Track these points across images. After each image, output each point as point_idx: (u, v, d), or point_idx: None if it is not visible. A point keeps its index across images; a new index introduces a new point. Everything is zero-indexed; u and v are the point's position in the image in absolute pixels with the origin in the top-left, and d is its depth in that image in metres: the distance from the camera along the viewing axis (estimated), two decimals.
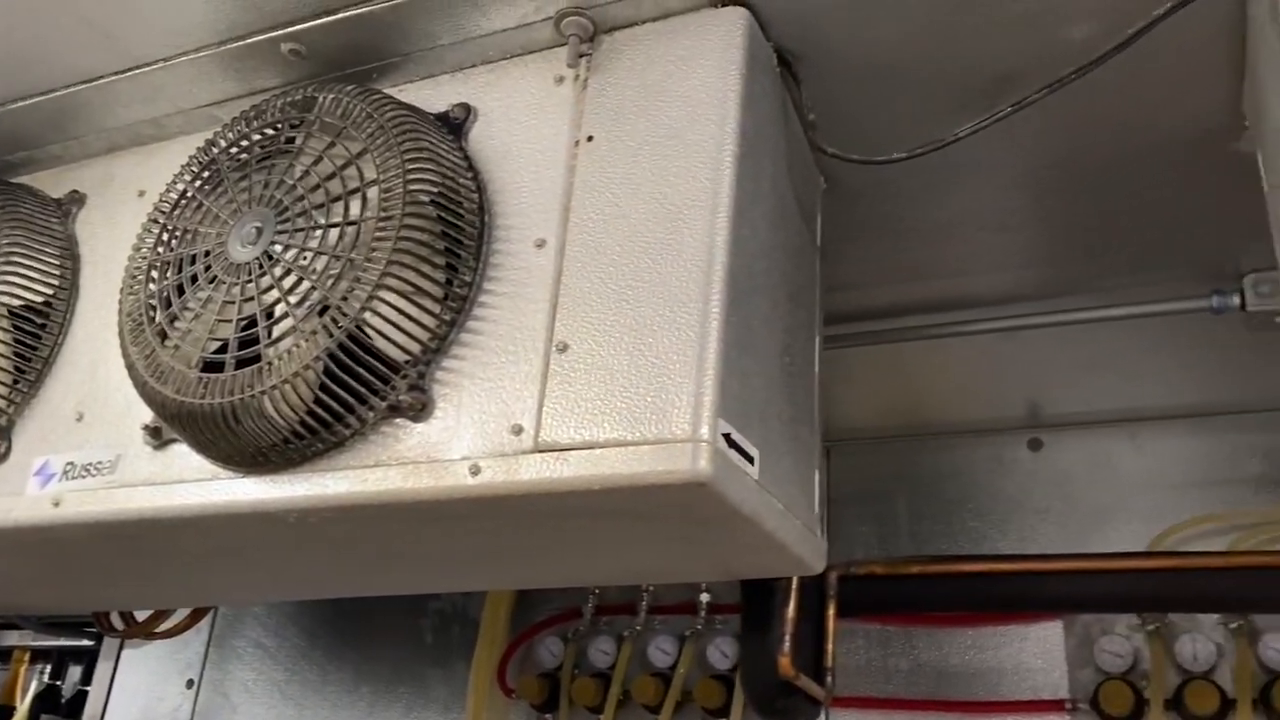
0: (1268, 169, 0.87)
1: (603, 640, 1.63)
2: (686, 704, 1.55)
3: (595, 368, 0.83)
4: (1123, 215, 1.18)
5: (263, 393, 0.87)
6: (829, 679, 1.13)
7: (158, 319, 0.96)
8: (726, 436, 0.80)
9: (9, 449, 1.08)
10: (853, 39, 0.95)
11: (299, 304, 0.88)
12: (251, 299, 0.91)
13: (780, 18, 0.93)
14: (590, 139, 0.92)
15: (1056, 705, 1.38)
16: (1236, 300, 1.16)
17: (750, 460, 0.83)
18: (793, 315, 0.97)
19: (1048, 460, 1.55)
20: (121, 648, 2.02)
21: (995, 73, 0.97)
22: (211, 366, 0.91)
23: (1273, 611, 1.22)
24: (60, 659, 2.10)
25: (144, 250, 1.01)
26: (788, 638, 1.05)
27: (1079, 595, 1.10)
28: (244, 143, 1.00)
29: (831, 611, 1.15)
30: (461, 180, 0.92)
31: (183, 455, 0.97)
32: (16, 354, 1.10)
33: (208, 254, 0.95)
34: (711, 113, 0.88)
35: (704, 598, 1.57)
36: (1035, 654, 1.44)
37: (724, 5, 0.91)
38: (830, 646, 1.14)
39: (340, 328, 0.86)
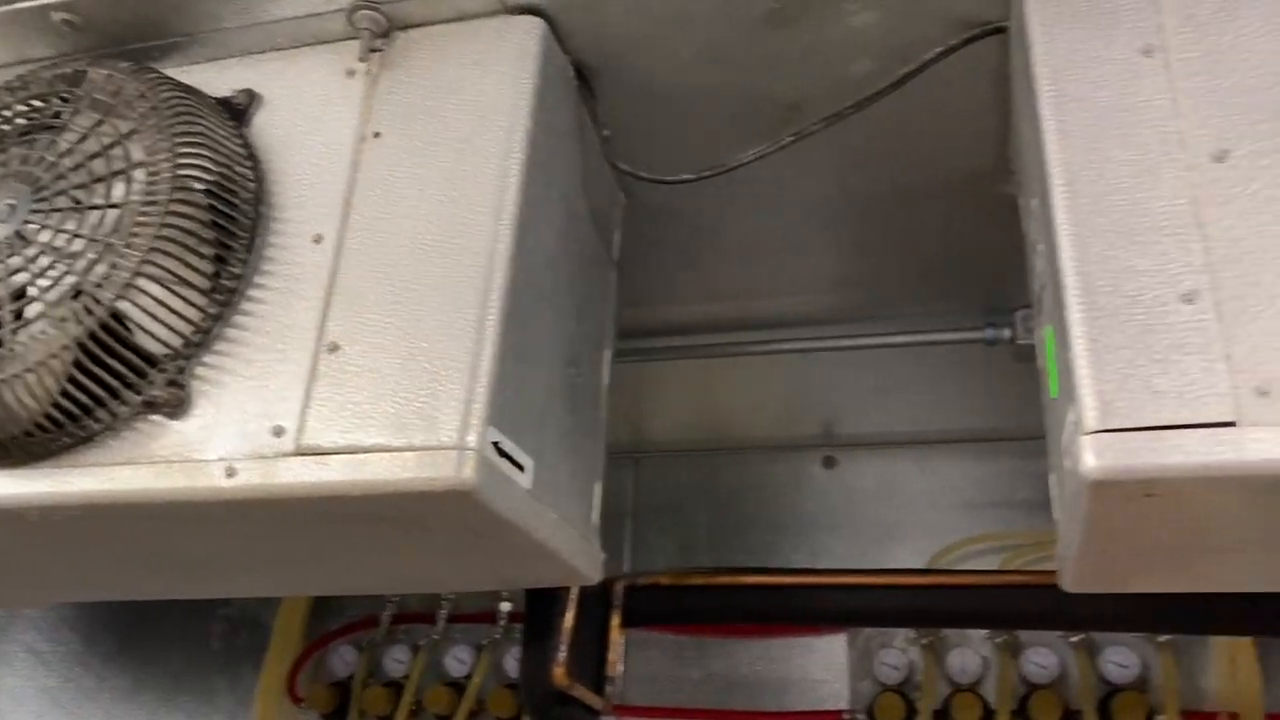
0: (1023, 214, 0.93)
1: (398, 649, 1.60)
2: (480, 713, 1.53)
3: (365, 370, 0.81)
4: (907, 246, 1.23)
5: (3, 381, 0.81)
6: (609, 689, 1.14)
7: None
8: (496, 445, 0.79)
9: None
10: (649, 59, 0.96)
11: (50, 288, 0.83)
12: None
13: (576, 31, 0.93)
14: (378, 135, 0.90)
15: (836, 716, 1.43)
16: (1008, 333, 1.23)
17: (521, 470, 0.82)
18: (581, 327, 0.97)
19: (841, 478, 1.60)
20: None
21: (785, 101, 1.00)
22: None
23: (1033, 627, 1.30)
24: None
25: None
26: (563, 647, 1.05)
27: (855, 609, 1.14)
28: (5, 114, 0.93)
29: (615, 622, 1.16)
30: (238, 168, 0.89)
31: None
32: None
33: None
34: (501, 119, 0.87)
35: (505, 606, 1.55)
36: (820, 666, 1.48)
37: (520, 13, 0.91)
38: (612, 657, 1.15)
39: (93, 315, 0.81)
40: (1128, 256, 0.71)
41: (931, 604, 1.11)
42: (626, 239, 1.18)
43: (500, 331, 0.80)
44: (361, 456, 0.78)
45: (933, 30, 0.89)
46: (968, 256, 1.24)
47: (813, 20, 0.90)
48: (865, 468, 1.59)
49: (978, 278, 1.27)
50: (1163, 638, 1.31)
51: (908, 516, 1.56)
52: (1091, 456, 0.66)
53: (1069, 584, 0.85)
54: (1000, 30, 0.89)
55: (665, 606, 1.18)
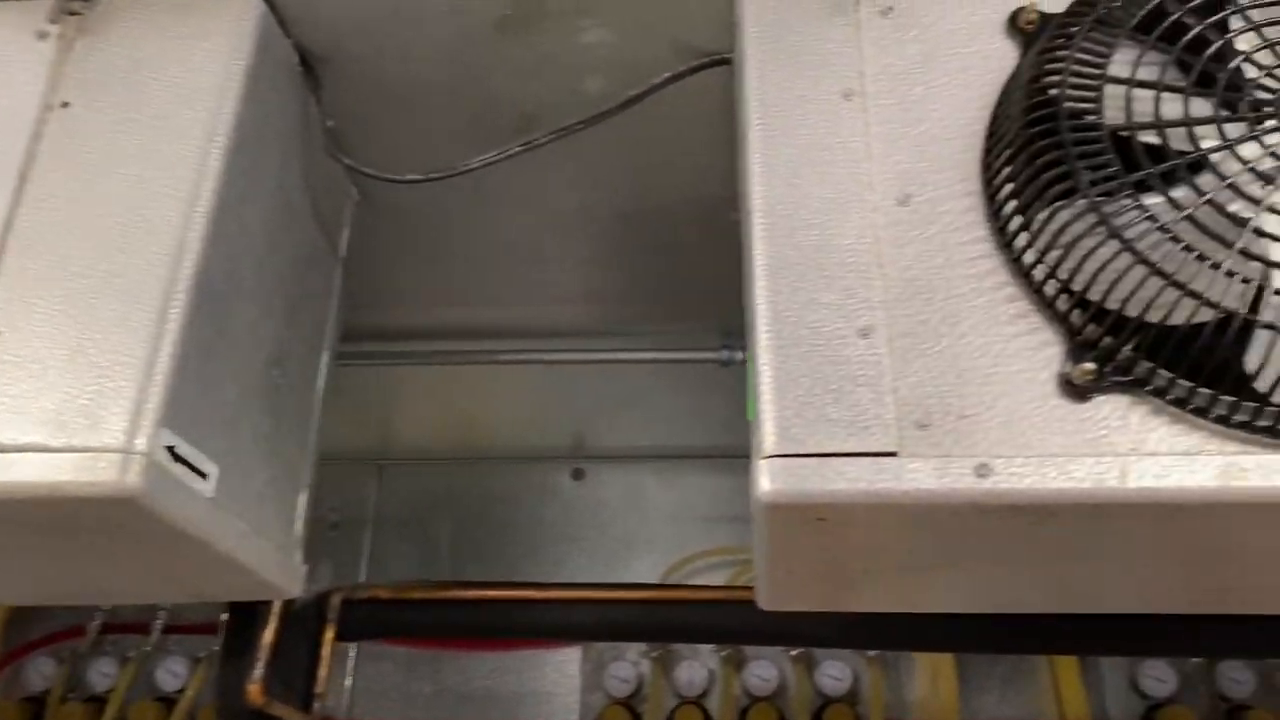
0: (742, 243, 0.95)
1: (105, 661, 1.48)
2: None
3: (26, 360, 0.74)
4: (652, 265, 1.25)
5: None
6: (316, 706, 1.09)
7: None
8: (170, 449, 0.73)
9: None
10: (380, 52, 0.93)
11: None
12: None
13: (301, 15, 0.89)
14: (66, 105, 0.82)
15: None
16: (740, 355, 1.27)
17: (203, 476, 0.77)
18: (292, 326, 0.93)
19: (587, 490, 1.61)
20: None
21: (523, 110, 0.98)
22: None
23: (747, 643, 1.34)
24: None
25: None
26: (260, 664, 1.00)
27: (573, 624, 1.13)
28: None
29: (329, 636, 1.11)
30: None
31: None
32: None
33: None
34: (207, 100, 0.82)
35: (225, 617, 1.47)
36: (554, 679, 1.48)
37: None
38: (323, 672, 1.10)
39: None
40: (814, 289, 0.73)
41: (646, 619, 1.12)
42: (369, 238, 1.14)
43: (184, 327, 0.75)
44: (13, 455, 0.71)
45: (663, 55, 0.91)
46: (709, 279, 1.26)
47: (545, 32, 0.90)
48: (611, 480, 1.61)
49: (718, 300, 1.30)
50: (872, 652, 1.38)
51: (650, 529, 1.59)
52: (766, 480, 0.68)
53: (764, 602, 0.87)
54: (726, 62, 0.91)
55: (385, 621, 1.14)
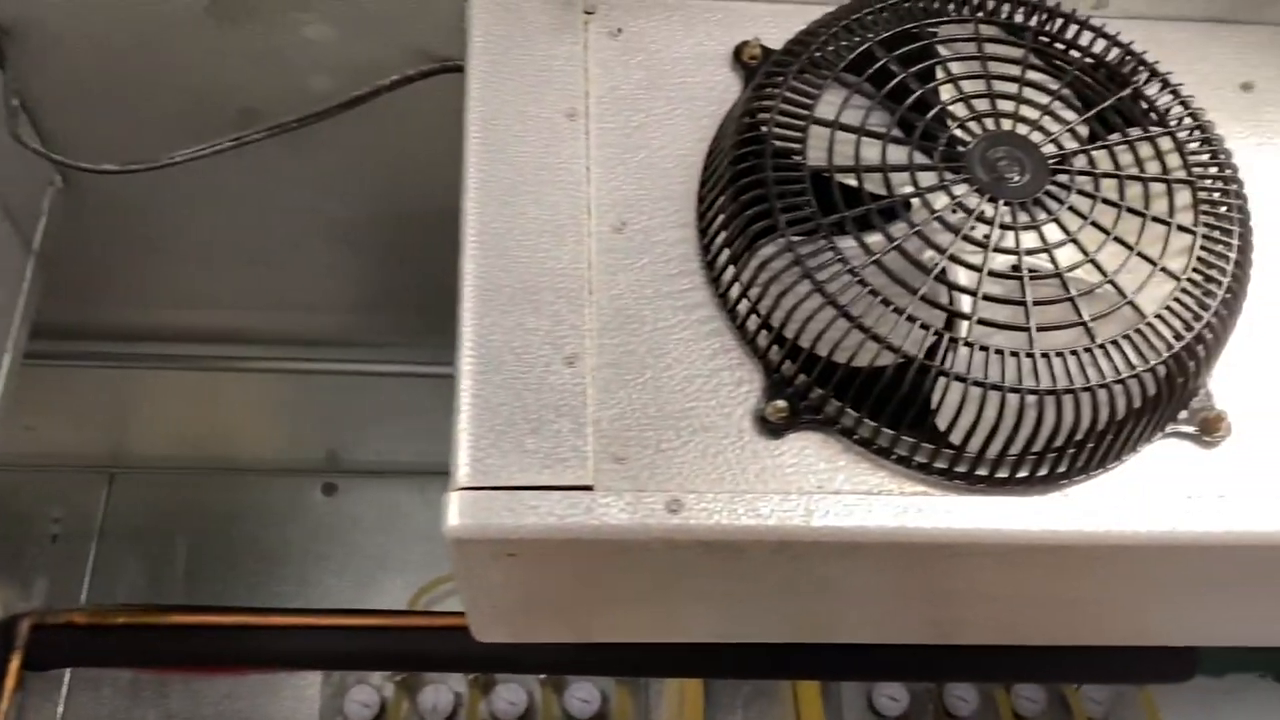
0: None
1: None
2: None
3: None
4: (401, 275, 1.20)
5: None
6: None
7: None
8: None
9: None
10: (77, 32, 0.85)
11: None
12: None
13: None
14: None
15: None
16: None
17: None
18: None
19: (340, 506, 1.54)
20: None
21: (246, 105, 0.92)
22: None
23: (492, 670, 1.31)
24: None
25: None
26: None
27: (297, 652, 1.08)
28: None
29: (14, 665, 1.00)
30: None
31: None
32: None
33: None
34: None
35: None
36: (291, 704, 1.40)
37: None
38: (4, 705, 1.00)
39: None
40: (522, 314, 0.71)
41: (382, 648, 1.08)
42: (84, 231, 1.05)
43: None
44: None
45: (392, 56, 0.86)
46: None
47: (262, 22, 0.84)
48: (365, 496, 1.55)
49: None
50: None
51: (404, 547, 1.53)
52: (454, 514, 0.65)
53: (477, 634, 0.84)
54: (460, 69, 0.87)
55: (83, 649, 1.05)
